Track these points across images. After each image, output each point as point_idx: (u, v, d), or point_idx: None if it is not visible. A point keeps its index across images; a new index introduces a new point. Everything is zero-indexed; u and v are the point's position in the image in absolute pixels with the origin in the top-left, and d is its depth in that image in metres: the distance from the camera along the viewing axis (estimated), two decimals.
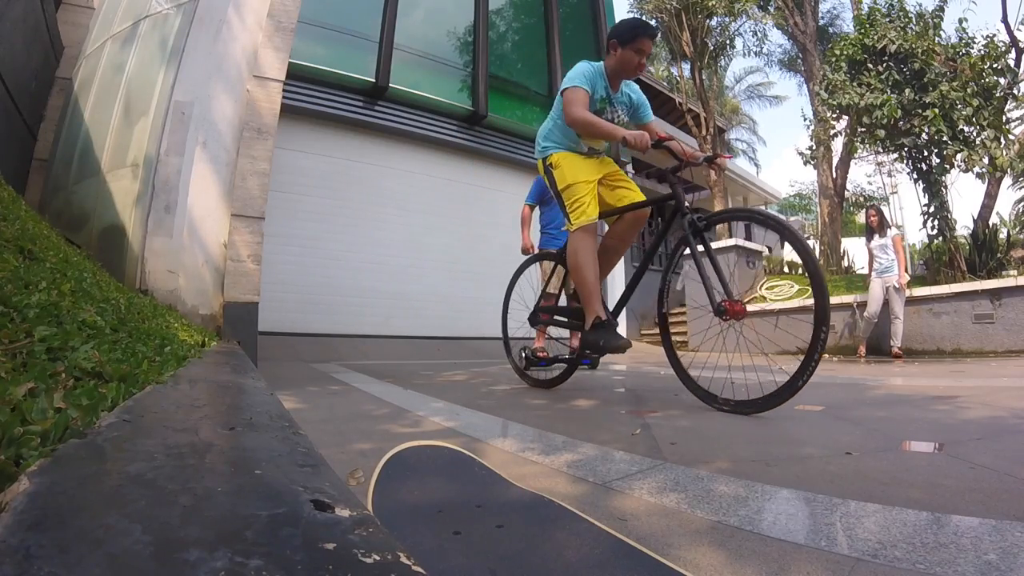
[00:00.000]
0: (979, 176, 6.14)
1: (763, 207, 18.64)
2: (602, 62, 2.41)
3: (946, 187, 6.37)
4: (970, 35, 6.26)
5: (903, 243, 5.59)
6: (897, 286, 5.18)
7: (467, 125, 7.44)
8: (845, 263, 8.72)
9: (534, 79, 8.38)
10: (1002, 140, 5.88)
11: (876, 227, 5.47)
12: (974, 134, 6.00)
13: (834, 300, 6.18)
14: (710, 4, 9.71)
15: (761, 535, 0.82)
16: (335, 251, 6.38)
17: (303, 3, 3.84)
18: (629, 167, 9.71)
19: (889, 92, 6.17)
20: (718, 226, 10.51)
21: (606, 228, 2.55)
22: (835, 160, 9.33)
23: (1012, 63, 6.22)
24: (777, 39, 14.18)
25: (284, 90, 3.61)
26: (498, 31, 8.26)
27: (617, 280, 8.76)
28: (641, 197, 2.46)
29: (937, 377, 3.17)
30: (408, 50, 6.92)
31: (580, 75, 2.29)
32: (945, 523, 0.83)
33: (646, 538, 0.81)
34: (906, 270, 5.13)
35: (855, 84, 6.44)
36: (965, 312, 5.27)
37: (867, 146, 6.92)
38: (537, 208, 4.17)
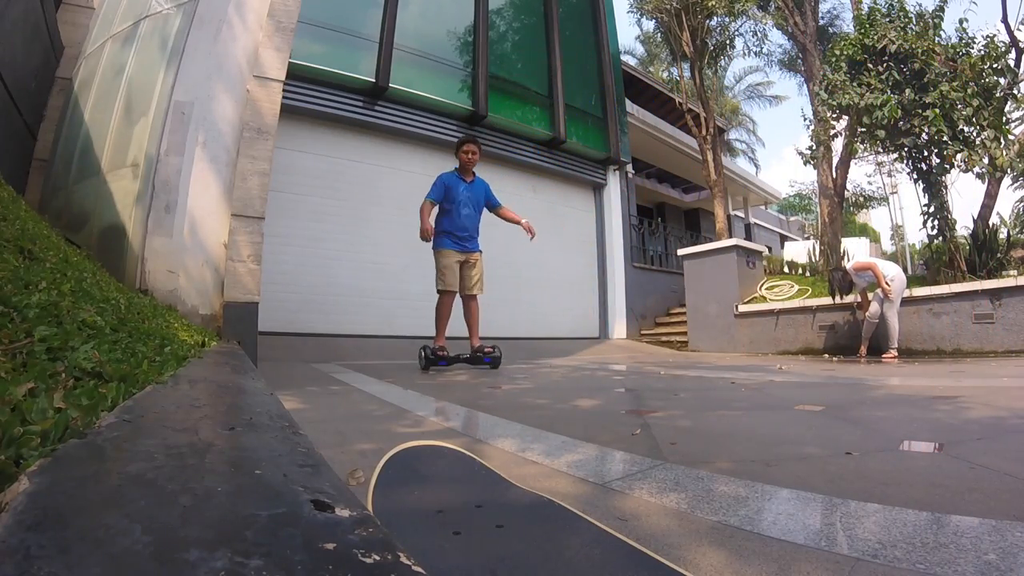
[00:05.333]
0: (979, 176, 6.13)
1: (763, 207, 18.66)
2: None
3: (946, 187, 6.37)
4: (970, 35, 6.25)
5: (866, 260, 5.70)
6: (882, 297, 5.21)
7: (467, 125, 7.44)
8: (846, 263, 8.70)
9: (534, 79, 8.38)
10: (1002, 140, 5.87)
11: (847, 284, 5.54)
12: (974, 134, 5.99)
13: (834, 300, 6.19)
14: (710, 4, 9.70)
15: (761, 535, 0.82)
16: (335, 251, 6.38)
17: (303, 3, 3.84)
18: (630, 167, 9.72)
19: (889, 92, 6.17)
20: (718, 226, 10.51)
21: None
22: (835, 160, 9.32)
23: (1012, 63, 6.21)
24: (777, 39, 14.19)
25: (284, 90, 3.61)
26: (498, 31, 8.26)
27: (617, 286, 8.77)
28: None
29: (937, 377, 3.17)
30: (408, 50, 6.92)
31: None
32: (945, 523, 0.83)
33: (646, 538, 0.81)
34: (887, 284, 5.19)
35: (855, 84, 6.44)
36: (965, 312, 5.27)
37: (867, 147, 6.92)
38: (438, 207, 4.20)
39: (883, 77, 6.29)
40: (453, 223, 4.20)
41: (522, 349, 6.49)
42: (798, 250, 10.70)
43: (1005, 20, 6.69)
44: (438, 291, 4.20)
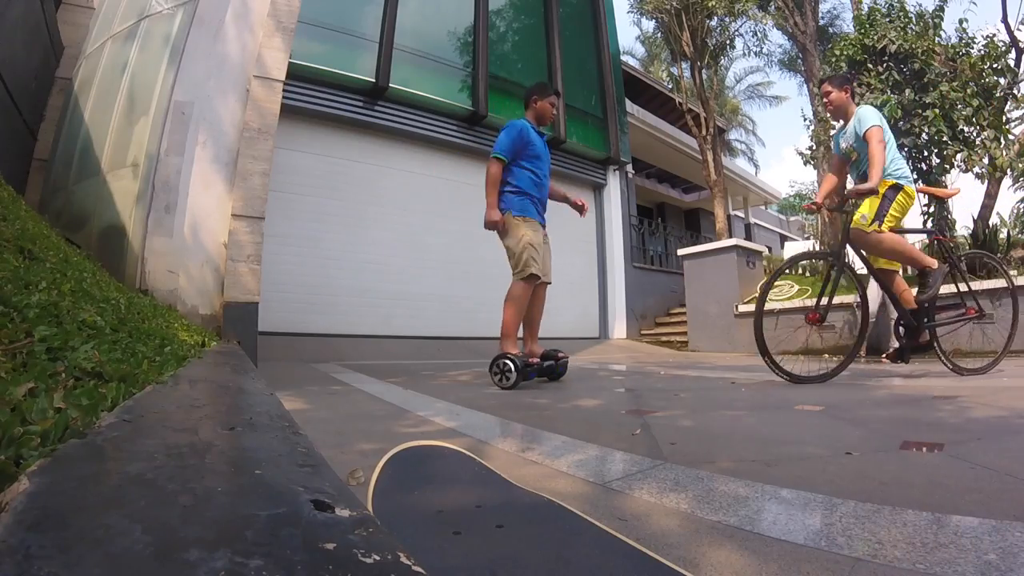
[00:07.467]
0: (979, 176, 6.13)
1: (763, 207, 18.65)
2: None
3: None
4: (970, 35, 6.26)
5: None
6: (878, 296, 5.18)
7: (467, 125, 7.44)
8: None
9: (534, 79, 8.36)
10: (1002, 140, 5.88)
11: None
12: (974, 134, 6.00)
13: (834, 300, 6.17)
14: (710, 4, 9.70)
15: (761, 535, 0.82)
16: (335, 251, 6.38)
17: (303, 3, 3.84)
18: (630, 167, 9.72)
19: (889, 92, 6.18)
20: (718, 226, 10.51)
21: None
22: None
23: (1012, 63, 6.22)
24: (777, 39, 14.18)
25: (284, 90, 3.61)
26: (498, 31, 8.26)
27: (617, 286, 8.78)
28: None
29: (937, 377, 3.17)
30: (408, 50, 6.93)
31: None
32: (945, 523, 0.83)
33: (646, 538, 0.81)
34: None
35: (855, 84, 6.44)
36: None
37: None
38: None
39: (883, 77, 6.29)
40: (536, 184, 3.10)
41: None
42: (798, 250, 10.70)
43: (1005, 20, 6.70)
44: (524, 277, 2.94)
